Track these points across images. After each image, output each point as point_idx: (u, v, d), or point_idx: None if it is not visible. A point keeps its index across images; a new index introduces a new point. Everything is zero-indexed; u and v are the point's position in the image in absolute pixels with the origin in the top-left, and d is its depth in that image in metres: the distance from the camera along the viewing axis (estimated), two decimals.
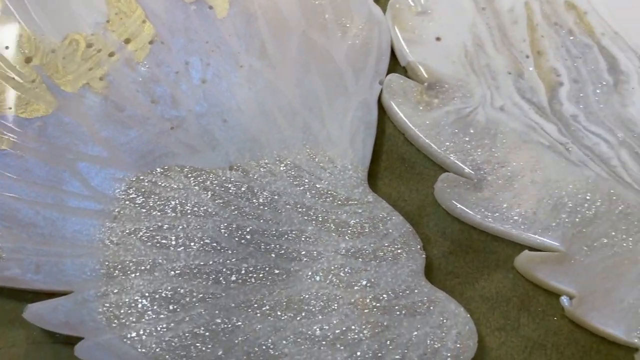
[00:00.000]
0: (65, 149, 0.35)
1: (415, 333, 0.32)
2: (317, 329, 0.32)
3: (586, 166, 0.36)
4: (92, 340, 0.31)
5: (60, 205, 0.34)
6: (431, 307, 0.32)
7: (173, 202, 0.34)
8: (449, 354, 0.31)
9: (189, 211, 0.34)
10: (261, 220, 0.34)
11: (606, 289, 0.33)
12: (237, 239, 0.33)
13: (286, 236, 0.34)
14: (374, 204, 0.35)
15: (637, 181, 0.36)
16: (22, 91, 0.36)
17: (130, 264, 0.33)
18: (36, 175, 0.34)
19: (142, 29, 0.38)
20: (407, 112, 0.37)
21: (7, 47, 0.38)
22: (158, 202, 0.34)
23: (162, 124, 0.36)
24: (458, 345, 0.31)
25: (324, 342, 0.31)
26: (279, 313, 0.32)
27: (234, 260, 0.33)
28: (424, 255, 0.34)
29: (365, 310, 0.32)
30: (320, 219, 0.34)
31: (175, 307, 0.32)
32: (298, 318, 0.32)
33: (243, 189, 0.35)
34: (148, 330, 0.31)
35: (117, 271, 0.33)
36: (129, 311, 0.32)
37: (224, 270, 0.33)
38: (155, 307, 0.32)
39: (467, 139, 0.36)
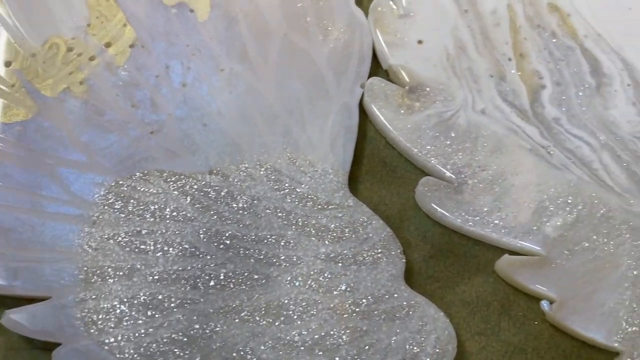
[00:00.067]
0: (44, 154, 0.35)
1: (394, 338, 0.32)
2: (296, 335, 0.31)
3: (568, 169, 0.36)
4: (70, 346, 0.31)
5: (39, 210, 0.34)
6: (410, 312, 0.32)
7: (152, 207, 0.34)
8: (428, 359, 0.31)
9: (167, 216, 0.34)
10: (240, 225, 0.34)
11: (587, 293, 0.33)
12: (216, 244, 0.33)
13: (266, 241, 0.34)
14: (354, 208, 0.35)
15: (618, 184, 0.35)
16: (1, 96, 0.36)
17: (109, 269, 0.33)
18: (15, 181, 0.34)
19: (123, 32, 0.38)
20: (388, 116, 0.37)
21: None
22: (137, 207, 0.34)
23: (142, 128, 0.36)
24: (437, 350, 0.31)
25: (302, 348, 0.31)
26: (257, 318, 0.32)
27: (212, 265, 0.33)
28: (403, 260, 0.33)
29: (345, 315, 0.32)
30: (300, 224, 0.34)
31: (153, 312, 0.32)
32: (277, 323, 0.32)
33: (222, 193, 0.35)
34: (126, 336, 0.31)
35: (95, 276, 0.32)
36: (107, 317, 0.32)
37: (203, 275, 0.33)
38: (133, 313, 0.32)
39: (448, 142, 0.36)
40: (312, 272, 0.33)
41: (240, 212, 0.34)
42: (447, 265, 0.35)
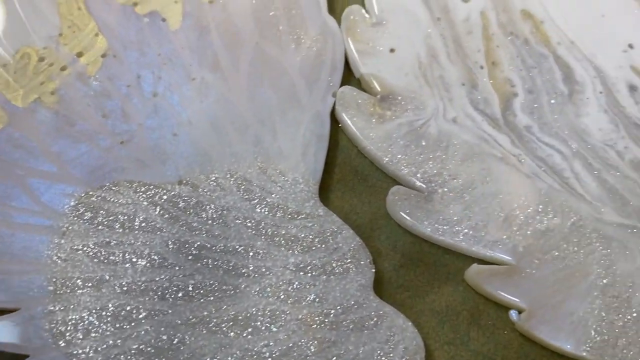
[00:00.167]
0: (15, 164, 0.35)
1: (363, 348, 0.32)
2: (264, 346, 0.31)
3: (539, 178, 0.36)
4: (38, 359, 0.31)
5: (9, 221, 0.34)
6: (379, 322, 0.32)
7: (121, 218, 0.34)
8: None
9: (137, 227, 0.34)
10: (209, 236, 0.34)
11: (556, 302, 0.33)
12: (184, 254, 0.33)
13: (235, 251, 0.33)
14: (324, 217, 0.35)
15: (589, 193, 0.35)
16: None
17: (78, 280, 0.33)
18: None
19: (95, 42, 0.38)
20: (359, 125, 0.37)
21: None
22: (106, 218, 0.34)
23: (112, 138, 0.36)
24: None
25: (270, 359, 0.31)
26: (225, 330, 0.32)
27: (180, 276, 0.33)
28: (373, 270, 0.33)
29: (313, 326, 0.32)
30: (270, 234, 0.34)
31: (121, 324, 0.32)
32: (244, 334, 0.32)
33: (192, 203, 0.35)
34: (94, 348, 0.31)
35: (64, 288, 0.32)
36: (76, 328, 0.32)
37: (171, 286, 0.33)
38: (101, 324, 0.32)
39: (418, 151, 0.36)
40: (281, 283, 0.33)
41: (210, 222, 0.34)
42: (417, 274, 0.35)
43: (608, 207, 0.35)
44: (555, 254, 0.34)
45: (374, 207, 0.36)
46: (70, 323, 0.32)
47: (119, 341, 0.31)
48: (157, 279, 0.33)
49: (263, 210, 0.34)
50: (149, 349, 0.31)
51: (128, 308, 0.32)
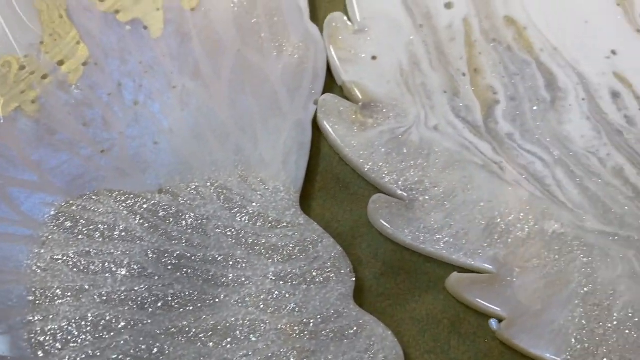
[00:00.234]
0: None
1: (342, 358, 0.32)
2: (243, 356, 0.31)
3: (520, 185, 0.36)
4: None
5: None
6: (359, 331, 0.32)
7: (101, 227, 0.34)
8: None
9: (116, 236, 0.34)
10: (189, 245, 0.34)
11: (537, 310, 0.33)
12: (163, 264, 0.33)
13: (214, 261, 0.33)
14: (305, 226, 0.34)
15: (571, 200, 0.35)
16: None
17: (58, 290, 0.33)
18: None
19: (77, 50, 0.38)
20: (341, 133, 0.37)
21: None
22: (86, 227, 0.34)
23: (93, 147, 0.36)
24: None
25: None
26: (204, 339, 0.32)
27: (160, 286, 0.33)
28: (353, 279, 0.33)
29: (293, 336, 0.32)
30: (250, 243, 0.34)
31: (100, 333, 0.32)
32: (224, 344, 0.32)
33: (172, 212, 0.34)
34: (73, 357, 0.31)
35: (44, 298, 0.32)
36: (55, 338, 0.32)
37: (150, 296, 0.32)
38: (80, 334, 0.32)
39: (400, 159, 0.36)
40: (260, 292, 0.33)
41: (189, 231, 0.34)
42: (397, 282, 0.35)
43: (590, 214, 0.35)
44: (536, 262, 0.34)
45: (355, 215, 0.36)
46: (49, 333, 0.32)
47: (98, 351, 0.31)
48: (136, 288, 0.33)
49: (243, 219, 0.34)
50: (128, 358, 0.31)
51: (107, 318, 0.32)
